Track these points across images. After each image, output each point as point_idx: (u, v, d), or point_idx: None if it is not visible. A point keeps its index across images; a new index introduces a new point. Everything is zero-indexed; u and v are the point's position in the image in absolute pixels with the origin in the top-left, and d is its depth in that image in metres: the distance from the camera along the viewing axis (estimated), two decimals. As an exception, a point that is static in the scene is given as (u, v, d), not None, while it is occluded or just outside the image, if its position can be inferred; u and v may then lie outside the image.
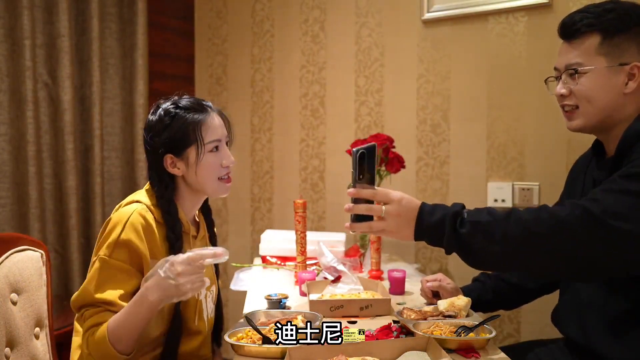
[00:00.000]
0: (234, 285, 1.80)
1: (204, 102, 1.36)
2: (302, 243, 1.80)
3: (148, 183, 1.37)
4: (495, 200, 2.21)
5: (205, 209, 1.50)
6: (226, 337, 1.18)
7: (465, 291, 1.51)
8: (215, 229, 1.53)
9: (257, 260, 2.06)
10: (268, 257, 2.03)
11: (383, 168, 2.07)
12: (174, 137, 1.29)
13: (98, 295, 1.19)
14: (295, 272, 1.81)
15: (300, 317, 1.28)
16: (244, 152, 2.80)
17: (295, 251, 1.82)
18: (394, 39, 2.43)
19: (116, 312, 1.18)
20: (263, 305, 1.49)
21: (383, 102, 2.47)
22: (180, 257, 1.12)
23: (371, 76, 2.49)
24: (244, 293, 1.71)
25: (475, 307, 1.43)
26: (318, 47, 2.61)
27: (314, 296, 1.52)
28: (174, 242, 1.28)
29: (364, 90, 2.51)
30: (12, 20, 2.21)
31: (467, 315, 1.32)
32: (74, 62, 2.38)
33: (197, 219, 1.45)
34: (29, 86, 2.21)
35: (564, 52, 1.26)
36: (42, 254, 1.40)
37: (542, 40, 2.11)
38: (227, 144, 1.38)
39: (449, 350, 1.13)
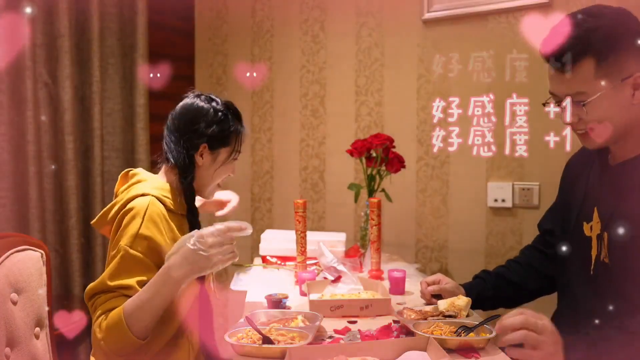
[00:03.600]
0: (234, 285, 1.80)
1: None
2: (302, 243, 1.80)
3: (150, 174, 1.41)
4: (495, 200, 2.21)
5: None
6: (226, 337, 1.18)
7: (466, 288, 1.51)
8: None
9: (257, 260, 2.06)
10: (268, 257, 2.03)
11: (383, 168, 2.07)
12: (220, 132, 1.39)
13: (113, 283, 1.21)
14: (295, 272, 1.80)
15: (300, 317, 1.28)
16: (244, 152, 2.75)
17: (295, 251, 1.82)
18: (394, 39, 2.43)
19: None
20: (263, 305, 1.49)
21: (383, 102, 2.47)
22: (209, 229, 1.16)
23: (371, 76, 2.49)
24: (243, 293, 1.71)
25: (475, 304, 1.42)
26: (318, 47, 2.61)
27: (314, 296, 1.52)
28: (194, 223, 1.35)
29: (364, 90, 2.51)
30: (12, 20, 2.21)
31: (467, 315, 1.32)
32: (74, 62, 2.38)
33: None
34: (29, 86, 2.20)
35: (559, 81, 1.21)
36: (42, 254, 1.40)
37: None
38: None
39: (449, 350, 1.13)
